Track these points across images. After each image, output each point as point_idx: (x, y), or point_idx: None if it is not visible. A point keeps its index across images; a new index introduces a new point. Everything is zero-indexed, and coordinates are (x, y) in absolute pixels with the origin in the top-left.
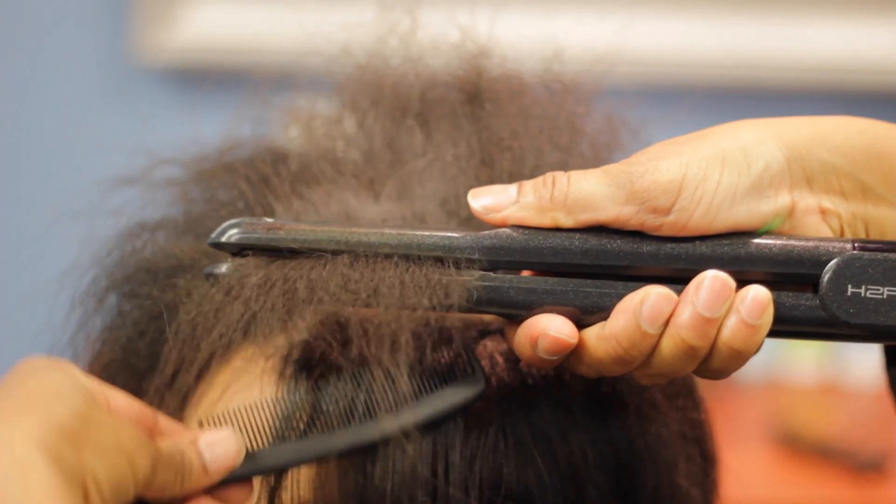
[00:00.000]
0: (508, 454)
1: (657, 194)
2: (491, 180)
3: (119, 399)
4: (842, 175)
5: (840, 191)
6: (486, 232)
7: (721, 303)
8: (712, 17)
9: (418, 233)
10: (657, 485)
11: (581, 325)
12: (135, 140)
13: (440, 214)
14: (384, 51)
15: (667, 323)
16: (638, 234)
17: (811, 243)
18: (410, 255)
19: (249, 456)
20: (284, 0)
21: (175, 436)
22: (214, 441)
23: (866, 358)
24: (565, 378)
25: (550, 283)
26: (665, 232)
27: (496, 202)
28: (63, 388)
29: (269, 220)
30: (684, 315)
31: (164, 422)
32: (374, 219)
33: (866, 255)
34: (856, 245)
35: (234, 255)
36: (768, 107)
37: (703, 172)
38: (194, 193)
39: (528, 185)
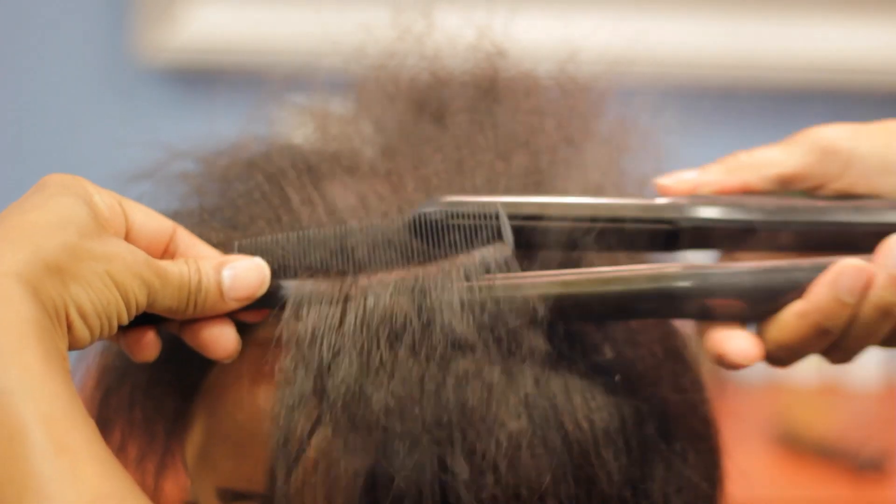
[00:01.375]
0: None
1: (833, 138)
2: (508, 174)
3: (139, 217)
4: None
5: None
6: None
7: None
8: (708, 17)
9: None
10: (667, 476)
11: (776, 308)
12: (135, 140)
13: None
14: (400, 50)
15: (864, 292)
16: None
17: None
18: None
19: (273, 287)
20: (285, 0)
21: (200, 257)
22: (238, 270)
23: (866, 358)
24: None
25: (748, 268)
26: (845, 182)
27: (684, 175)
28: (62, 218)
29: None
30: (880, 278)
31: (188, 240)
32: (389, 208)
33: None
34: None
35: None
36: (769, 107)
37: (874, 137)
38: (210, 187)
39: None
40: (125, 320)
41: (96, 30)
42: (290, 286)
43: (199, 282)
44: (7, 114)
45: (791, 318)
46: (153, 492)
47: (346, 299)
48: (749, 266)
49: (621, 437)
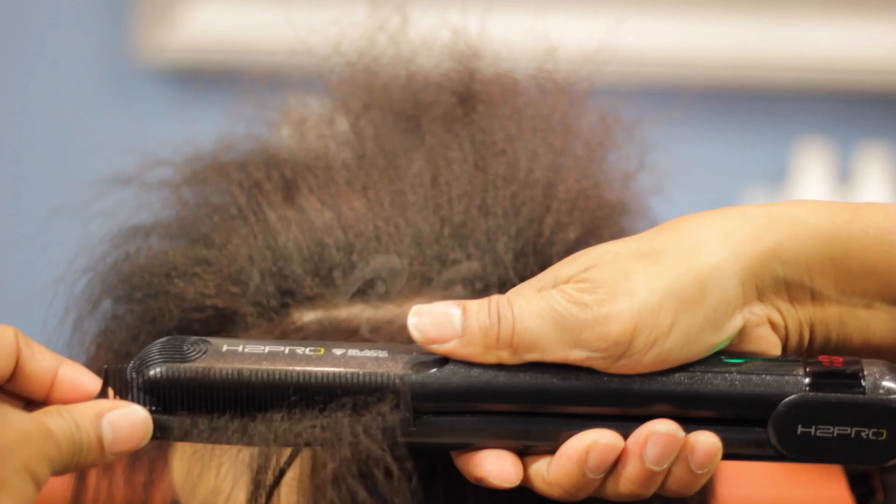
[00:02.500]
0: None
1: (607, 345)
2: (485, 185)
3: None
4: (792, 286)
5: (788, 299)
6: (425, 376)
7: (669, 455)
8: (709, 16)
9: (354, 371)
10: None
11: (526, 454)
12: (134, 140)
13: (434, 220)
14: (374, 50)
15: (613, 466)
16: (586, 371)
17: (761, 383)
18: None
19: (159, 428)
20: (284, 0)
21: (73, 408)
22: (117, 422)
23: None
24: None
25: (493, 421)
26: (614, 371)
27: (439, 333)
28: None
29: (190, 365)
30: (632, 467)
31: (28, 349)
32: (365, 228)
33: (817, 396)
34: (807, 377)
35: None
36: (767, 107)
37: (657, 317)
38: (187, 196)
39: (473, 314)
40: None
41: (96, 30)
42: (177, 427)
43: (81, 440)
44: (7, 114)
45: (538, 481)
46: None
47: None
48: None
49: None
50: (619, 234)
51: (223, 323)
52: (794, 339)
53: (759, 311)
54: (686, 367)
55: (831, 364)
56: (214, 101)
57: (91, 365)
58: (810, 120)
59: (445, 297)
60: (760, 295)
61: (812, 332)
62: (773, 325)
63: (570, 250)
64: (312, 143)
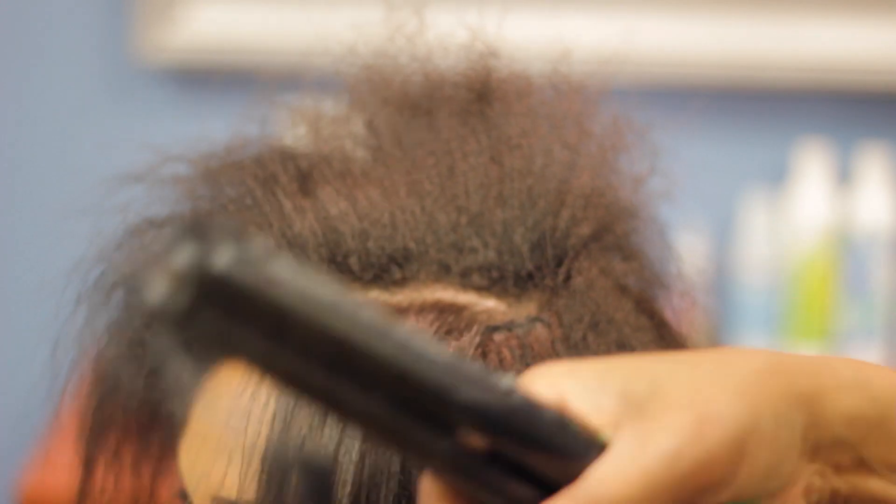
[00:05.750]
0: None
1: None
2: (501, 177)
3: None
4: (846, 449)
5: (836, 464)
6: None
7: None
8: (709, 17)
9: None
10: None
11: None
12: (135, 140)
13: (450, 209)
14: (391, 50)
15: None
16: None
17: None
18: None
19: None
20: (286, 0)
21: None
22: None
23: (866, 354)
24: None
25: None
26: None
27: None
28: None
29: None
30: None
31: None
32: (380, 216)
33: None
34: None
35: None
36: (767, 107)
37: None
38: (201, 191)
39: None
40: None
41: (96, 30)
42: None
43: None
44: (7, 114)
45: None
46: (149, 496)
47: None
48: None
49: None
50: (629, 233)
51: None
52: None
53: (801, 472)
54: None
55: None
56: (216, 101)
57: (102, 356)
58: (810, 120)
59: (462, 285)
60: (815, 452)
61: None
62: (807, 492)
63: (585, 245)
64: (328, 140)
